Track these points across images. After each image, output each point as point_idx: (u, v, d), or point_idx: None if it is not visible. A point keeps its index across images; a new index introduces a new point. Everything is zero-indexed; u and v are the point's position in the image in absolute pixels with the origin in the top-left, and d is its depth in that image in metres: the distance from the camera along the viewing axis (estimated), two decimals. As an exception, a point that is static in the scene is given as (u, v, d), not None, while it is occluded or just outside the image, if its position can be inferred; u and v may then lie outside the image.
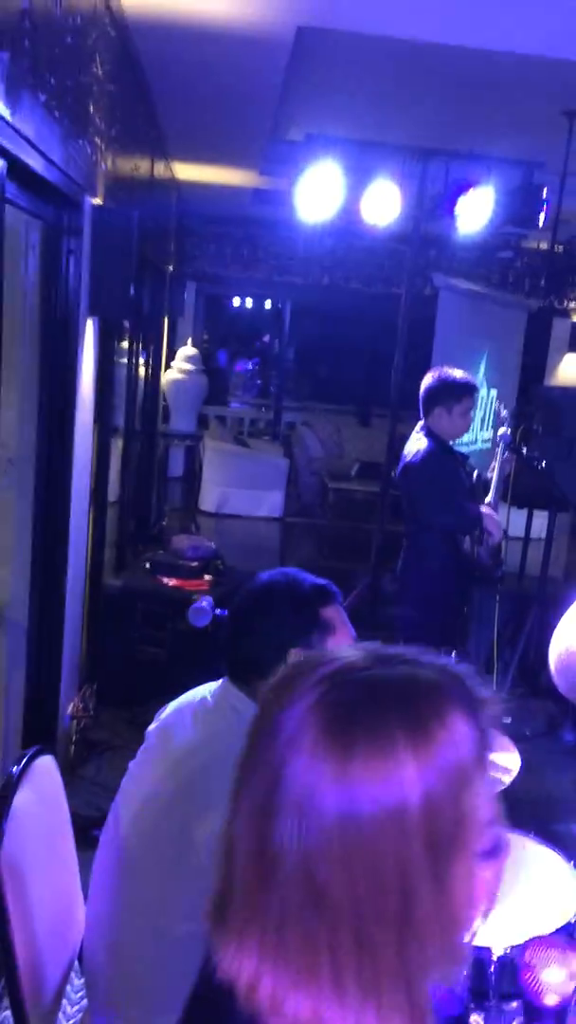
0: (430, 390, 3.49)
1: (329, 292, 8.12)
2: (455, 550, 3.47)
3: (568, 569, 5.22)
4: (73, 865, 1.93)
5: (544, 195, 4.26)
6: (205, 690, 1.81)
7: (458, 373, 3.53)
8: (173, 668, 3.70)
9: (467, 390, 3.48)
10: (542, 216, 4.28)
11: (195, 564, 4.01)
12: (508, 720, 2.88)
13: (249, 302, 10.75)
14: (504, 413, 3.85)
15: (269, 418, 8.72)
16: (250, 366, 10.85)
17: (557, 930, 1.86)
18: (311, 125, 4.61)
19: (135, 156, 4.55)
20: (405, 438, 3.63)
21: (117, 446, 4.69)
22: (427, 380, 3.52)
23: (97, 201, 3.40)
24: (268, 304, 10.32)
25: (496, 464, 3.63)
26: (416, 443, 3.50)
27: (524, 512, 5.09)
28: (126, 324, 4.46)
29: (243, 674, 1.73)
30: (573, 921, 1.89)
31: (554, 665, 2.12)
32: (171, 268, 6.34)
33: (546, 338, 6.92)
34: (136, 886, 1.66)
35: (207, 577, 3.98)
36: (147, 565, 4.09)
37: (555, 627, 4.64)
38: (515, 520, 4.77)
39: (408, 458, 3.49)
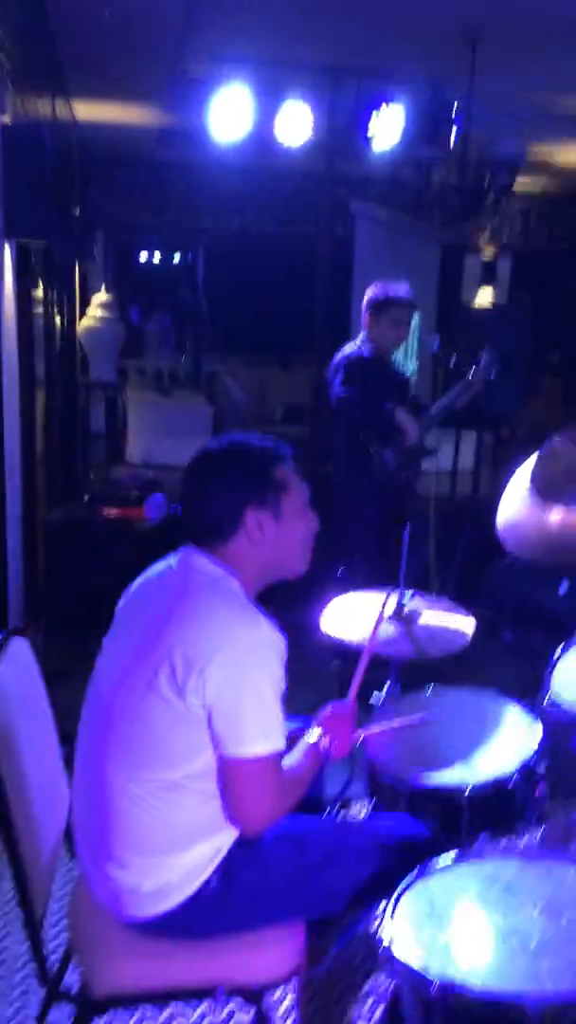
0: (367, 299, 3.59)
1: (242, 238, 8.05)
2: (369, 463, 3.53)
3: (493, 492, 5.38)
4: (55, 743, 1.94)
5: (454, 112, 4.32)
6: (169, 560, 1.84)
7: (396, 287, 3.60)
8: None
9: (395, 301, 3.56)
10: (453, 133, 4.34)
11: (135, 493, 3.99)
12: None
13: (159, 257, 10.56)
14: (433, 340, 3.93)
15: (189, 369, 8.64)
16: (163, 323, 10.66)
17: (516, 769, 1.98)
18: (217, 50, 4.54)
19: (37, 93, 4.41)
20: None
21: (40, 398, 4.59)
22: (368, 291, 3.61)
23: (6, 119, 3.30)
24: (178, 258, 10.16)
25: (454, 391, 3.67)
26: (350, 346, 3.60)
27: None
28: (40, 266, 4.34)
29: (203, 540, 1.76)
30: (530, 758, 2.00)
31: (501, 527, 2.21)
32: (78, 211, 6.19)
33: (460, 273, 7.05)
34: (118, 742, 1.69)
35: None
36: (87, 498, 4.05)
37: (486, 544, 4.77)
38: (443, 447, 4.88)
39: (337, 358, 3.58)
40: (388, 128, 4.34)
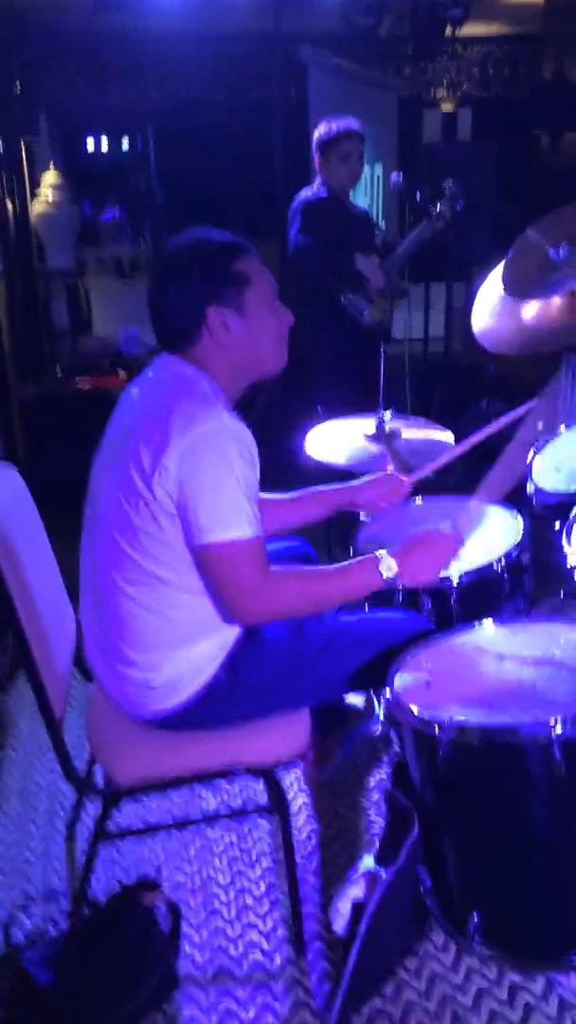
0: (315, 140, 3.50)
1: (191, 112, 7.72)
2: (340, 312, 3.50)
3: (468, 338, 5.37)
4: (54, 565, 1.99)
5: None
6: (147, 371, 1.85)
7: (341, 120, 3.49)
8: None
9: (341, 134, 3.45)
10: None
11: (106, 361, 3.96)
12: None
13: (107, 144, 10.11)
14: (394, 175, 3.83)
15: (149, 255, 8.41)
16: (117, 214, 10.27)
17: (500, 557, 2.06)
18: None
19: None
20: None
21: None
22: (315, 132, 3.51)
23: None
24: (127, 144, 9.73)
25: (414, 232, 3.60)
26: (306, 191, 3.52)
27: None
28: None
29: (173, 345, 1.77)
30: (512, 549, 2.08)
31: (478, 332, 2.22)
32: (18, 88, 5.91)
33: (419, 128, 6.83)
34: (109, 545, 1.73)
35: (121, 373, 3.94)
36: (58, 371, 4.01)
37: (462, 393, 4.77)
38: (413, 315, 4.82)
39: (293, 203, 3.51)
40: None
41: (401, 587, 1.92)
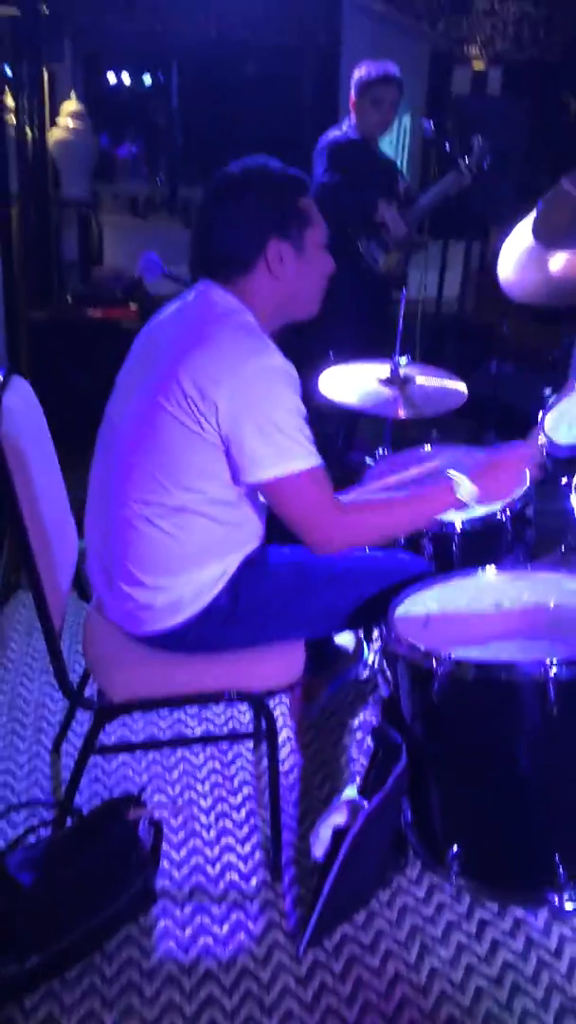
0: (353, 80, 3.42)
1: (218, 50, 7.54)
2: (357, 256, 3.46)
3: (482, 299, 5.33)
4: (61, 480, 1.98)
5: None
6: (186, 295, 1.82)
7: (382, 64, 3.42)
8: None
9: (380, 78, 3.38)
10: None
11: (119, 293, 3.91)
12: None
13: (129, 78, 9.88)
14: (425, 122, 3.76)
15: (165, 195, 8.29)
16: (135, 150, 10.08)
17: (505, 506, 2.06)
18: None
19: None
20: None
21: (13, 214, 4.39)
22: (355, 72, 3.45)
23: None
24: (149, 80, 9.52)
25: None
26: (334, 132, 3.45)
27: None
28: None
29: (222, 270, 1.73)
30: (518, 500, 2.08)
31: (504, 279, 2.20)
32: (44, 11, 5.75)
33: (447, 85, 6.70)
34: (132, 465, 1.72)
35: (132, 306, 3.89)
36: (69, 299, 3.96)
37: (473, 353, 4.71)
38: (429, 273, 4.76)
39: (320, 142, 3.44)
40: None
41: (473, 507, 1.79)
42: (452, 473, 1.73)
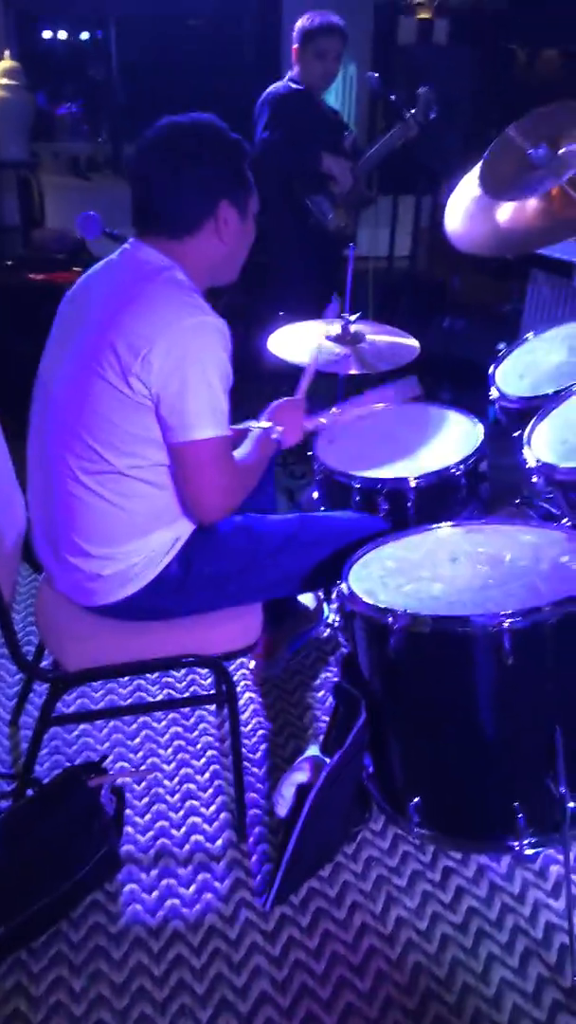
0: (296, 29, 3.34)
1: (158, 4, 7.32)
2: (305, 214, 3.41)
3: (434, 257, 5.30)
4: (3, 447, 1.93)
5: None
6: (111, 255, 1.77)
7: (326, 14, 3.34)
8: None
9: (323, 28, 3.31)
10: None
11: (62, 256, 3.81)
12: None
13: (65, 34, 9.55)
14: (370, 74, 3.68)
15: (108, 153, 8.07)
16: (74, 108, 9.77)
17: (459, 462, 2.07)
18: None
19: None
20: None
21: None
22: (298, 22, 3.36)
23: None
24: (87, 35, 9.20)
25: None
26: (276, 84, 3.37)
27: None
28: None
29: (162, 228, 1.68)
30: (471, 455, 2.08)
31: (451, 231, 2.18)
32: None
33: (393, 36, 6.59)
34: (68, 433, 1.68)
35: (76, 268, 3.79)
36: (9, 263, 3.85)
37: (426, 309, 4.68)
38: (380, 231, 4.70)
39: (262, 96, 3.37)
40: None
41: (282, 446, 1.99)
42: (254, 424, 1.93)
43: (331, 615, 2.50)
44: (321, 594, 2.49)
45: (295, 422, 1.96)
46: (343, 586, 1.67)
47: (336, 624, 2.48)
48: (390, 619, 1.52)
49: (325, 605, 2.51)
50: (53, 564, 1.82)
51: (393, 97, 3.29)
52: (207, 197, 1.65)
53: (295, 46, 3.36)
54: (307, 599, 2.51)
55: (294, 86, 3.39)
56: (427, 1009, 1.56)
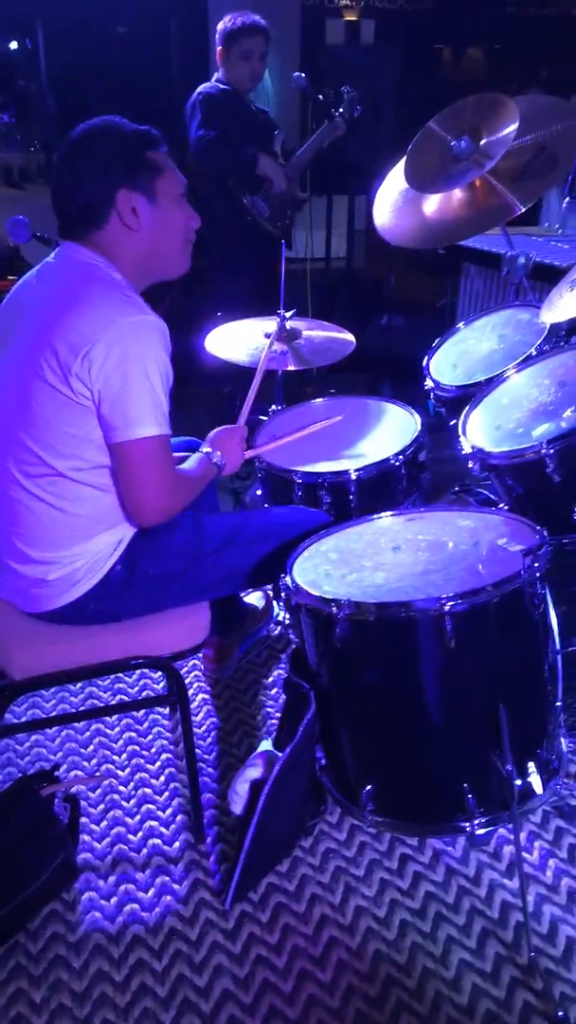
0: (219, 31, 3.35)
1: (83, 10, 7.27)
2: (240, 211, 3.42)
3: (370, 257, 5.36)
4: None
5: None
6: (47, 258, 1.76)
7: (249, 15, 3.35)
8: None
9: (246, 28, 3.32)
10: None
11: (-5, 264, 3.77)
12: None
13: (-8, 44, 9.40)
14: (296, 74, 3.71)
15: (41, 162, 7.99)
16: (5, 118, 9.65)
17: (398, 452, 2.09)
18: None
19: None
20: None
21: None
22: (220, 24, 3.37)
23: None
24: (15, 45, 9.10)
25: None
26: (204, 85, 3.38)
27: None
28: None
29: (77, 227, 1.68)
30: (409, 446, 2.11)
31: (381, 226, 2.21)
32: None
33: (321, 37, 6.65)
34: (7, 438, 1.67)
35: (11, 277, 3.75)
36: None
37: (364, 307, 4.72)
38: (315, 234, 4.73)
39: (191, 97, 3.37)
40: None
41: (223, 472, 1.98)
42: (204, 448, 1.93)
43: (281, 612, 2.51)
44: (271, 592, 2.50)
45: (235, 449, 1.96)
46: (287, 579, 1.67)
47: (286, 621, 2.49)
48: (334, 609, 1.53)
49: (275, 603, 2.52)
50: (-6, 572, 1.79)
51: (321, 97, 3.32)
52: (101, 187, 1.65)
53: (219, 48, 3.37)
54: (255, 598, 2.52)
55: (222, 87, 3.40)
56: (388, 995, 1.57)
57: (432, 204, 2.03)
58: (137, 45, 7.80)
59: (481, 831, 1.60)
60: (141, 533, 1.79)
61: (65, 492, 1.67)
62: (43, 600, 1.76)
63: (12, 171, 7.87)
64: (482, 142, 1.96)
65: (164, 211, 1.71)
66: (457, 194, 2.00)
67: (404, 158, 2.12)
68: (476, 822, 1.58)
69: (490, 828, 1.65)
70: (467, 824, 1.59)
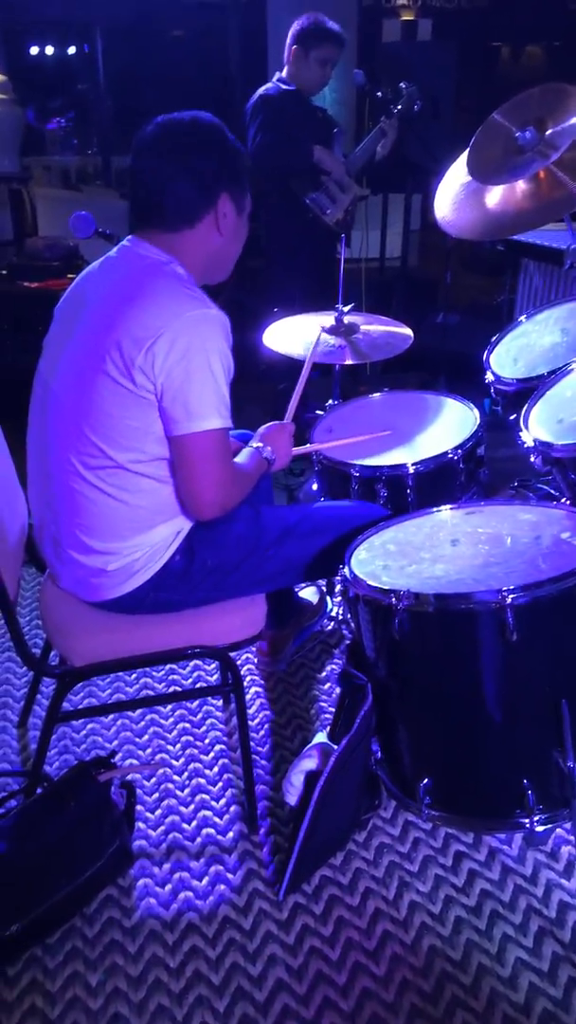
0: (295, 30, 3.35)
1: (141, 14, 7.37)
2: (303, 212, 3.42)
3: (424, 256, 5.32)
4: (5, 450, 1.94)
5: None
6: (109, 252, 1.78)
7: (330, 21, 3.35)
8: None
9: (329, 34, 3.32)
10: None
11: (56, 263, 3.82)
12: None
13: (52, 50, 9.61)
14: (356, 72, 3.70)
15: (98, 165, 8.11)
16: (63, 122, 9.83)
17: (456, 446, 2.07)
18: None
19: None
20: None
21: None
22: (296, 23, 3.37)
23: None
24: (74, 49, 9.27)
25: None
26: (267, 85, 3.38)
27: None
28: None
29: (167, 220, 1.68)
30: (468, 440, 2.09)
31: (442, 218, 2.19)
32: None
33: (378, 36, 6.64)
34: (70, 431, 1.68)
35: (70, 276, 3.81)
36: (3, 272, 3.87)
37: (419, 305, 4.70)
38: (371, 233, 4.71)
39: (253, 98, 3.37)
40: None
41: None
42: (255, 443, 1.92)
43: (334, 608, 2.50)
44: (324, 587, 2.50)
45: (284, 445, 1.96)
46: (345, 570, 1.67)
47: (340, 616, 2.49)
48: (393, 600, 1.52)
49: (328, 598, 2.52)
50: (56, 562, 1.82)
51: (380, 94, 3.31)
52: (209, 189, 1.66)
53: (293, 47, 3.35)
54: (310, 593, 2.52)
55: (284, 87, 3.39)
56: (443, 991, 1.56)
57: (495, 196, 2.01)
58: (195, 47, 7.88)
59: (540, 828, 1.58)
60: (200, 524, 1.80)
61: (126, 484, 1.69)
62: (103, 589, 1.78)
63: (70, 173, 8.01)
64: (547, 132, 1.93)
65: (242, 223, 1.76)
66: (520, 186, 1.98)
67: (467, 150, 2.10)
68: (536, 818, 1.56)
69: (549, 825, 1.62)
70: (527, 820, 1.56)
